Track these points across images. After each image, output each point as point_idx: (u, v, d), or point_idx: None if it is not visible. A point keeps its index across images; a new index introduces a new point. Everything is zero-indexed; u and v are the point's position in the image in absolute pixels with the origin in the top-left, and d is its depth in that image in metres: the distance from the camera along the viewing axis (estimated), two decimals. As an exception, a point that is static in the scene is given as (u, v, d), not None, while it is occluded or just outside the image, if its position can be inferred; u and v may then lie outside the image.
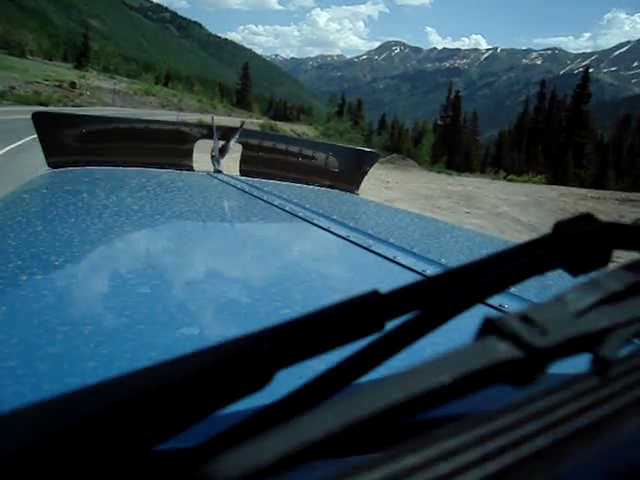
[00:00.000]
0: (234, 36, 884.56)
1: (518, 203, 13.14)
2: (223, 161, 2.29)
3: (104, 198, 1.40)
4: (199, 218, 1.32)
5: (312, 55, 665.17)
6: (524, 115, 66.98)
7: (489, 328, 0.20)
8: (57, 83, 40.90)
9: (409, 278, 0.87)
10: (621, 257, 0.25)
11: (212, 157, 2.27)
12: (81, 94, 41.99)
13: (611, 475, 0.31)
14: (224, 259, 1.00)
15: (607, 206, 14.14)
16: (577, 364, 0.22)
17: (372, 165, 2.70)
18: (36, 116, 1.98)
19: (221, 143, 2.33)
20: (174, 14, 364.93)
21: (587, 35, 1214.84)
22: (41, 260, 0.82)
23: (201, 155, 2.79)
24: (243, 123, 2.59)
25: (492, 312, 0.62)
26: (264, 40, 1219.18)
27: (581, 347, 0.20)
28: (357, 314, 0.22)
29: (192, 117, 35.34)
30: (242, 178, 2.12)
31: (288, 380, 0.23)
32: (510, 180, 23.52)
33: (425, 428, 0.20)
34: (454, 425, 0.20)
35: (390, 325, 0.23)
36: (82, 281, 0.75)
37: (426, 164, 53.05)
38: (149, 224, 1.20)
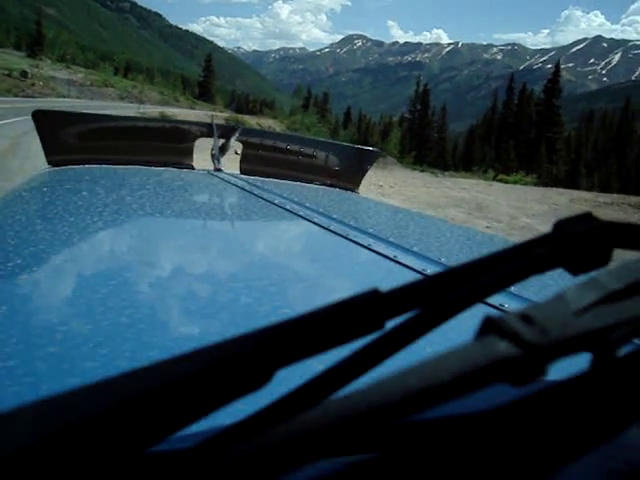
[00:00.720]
0: (195, 28, 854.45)
1: (536, 213, 11.69)
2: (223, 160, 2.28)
3: (104, 196, 1.40)
4: (199, 216, 1.34)
5: (274, 48, 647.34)
6: (493, 109, 66.27)
7: (489, 327, 0.20)
8: (6, 72, 37.98)
9: (409, 277, 0.86)
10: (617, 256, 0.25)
11: (212, 155, 2.25)
12: (33, 84, 39.09)
13: (611, 474, 0.31)
14: (224, 258, 1.00)
15: (628, 214, 12.78)
16: (577, 363, 0.22)
17: (372, 163, 2.72)
18: (36, 114, 1.97)
19: (221, 141, 2.31)
20: (134, 4, 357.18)
21: (545, 32, 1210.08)
22: (41, 259, 0.83)
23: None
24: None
25: (492, 311, 0.61)
26: (226, 32, 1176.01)
27: (581, 346, 0.20)
28: (357, 313, 0.22)
29: (154, 110, 33.02)
30: (242, 176, 2.12)
31: (287, 379, 0.23)
32: (501, 180, 22.18)
33: (425, 427, 0.21)
34: (454, 424, 0.20)
35: (390, 324, 0.23)
36: (82, 280, 0.74)
37: (394, 159, 51.96)
38: (149, 223, 1.20)
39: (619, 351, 0.21)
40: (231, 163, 2.52)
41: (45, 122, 2.01)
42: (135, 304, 0.65)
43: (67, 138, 2.06)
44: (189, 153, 2.34)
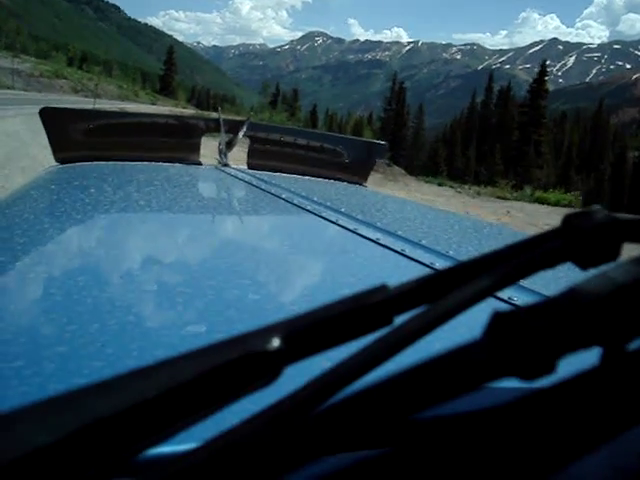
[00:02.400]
0: (154, 21, 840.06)
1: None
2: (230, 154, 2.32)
3: (112, 193, 1.41)
4: (208, 212, 1.35)
5: (234, 43, 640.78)
6: (471, 110, 63.68)
7: (499, 322, 0.20)
8: None
9: (417, 271, 0.86)
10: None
11: (219, 151, 2.30)
12: (-30, 74, 34.19)
13: (623, 469, 0.31)
14: (232, 253, 1.00)
15: None
16: (587, 358, 0.22)
17: (380, 156, 2.81)
18: (44, 111, 2.01)
19: (228, 136, 2.33)
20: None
21: (503, 33, 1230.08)
22: (50, 256, 0.83)
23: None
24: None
25: (501, 305, 0.60)
26: (185, 27, 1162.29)
27: (591, 341, 0.20)
28: (365, 308, 0.22)
29: (111, 106, 28.63)
30: (250, 171, 2.14)
31: (296, 375, 0.23)
32: (540, 200, 18.48)
33: (435, 423, 0.21)
34: (463, 419, 0.20)
35: (399, 319, 0.23)
36: (90, 277, 0.74)
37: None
38: (158, 219, 1.19)
39: (629, 346, 0.21)
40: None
41: (53, 119, 2.03)
42: (143, 301, 0.66)
43: (75, 135, 2.08)
44: (196, 148, 2.33)
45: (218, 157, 2.30)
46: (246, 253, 1.00)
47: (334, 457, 0.20)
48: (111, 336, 0.52)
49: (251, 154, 2.42)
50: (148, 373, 0.19)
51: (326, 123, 73.77)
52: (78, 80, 49.24)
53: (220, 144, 2.29)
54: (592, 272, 0.24)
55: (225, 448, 0.17)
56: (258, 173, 2.05)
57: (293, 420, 0.18)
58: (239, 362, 0.20)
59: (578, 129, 66.24)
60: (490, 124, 57.70)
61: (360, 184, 2.45)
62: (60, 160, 1.95)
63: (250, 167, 2.32)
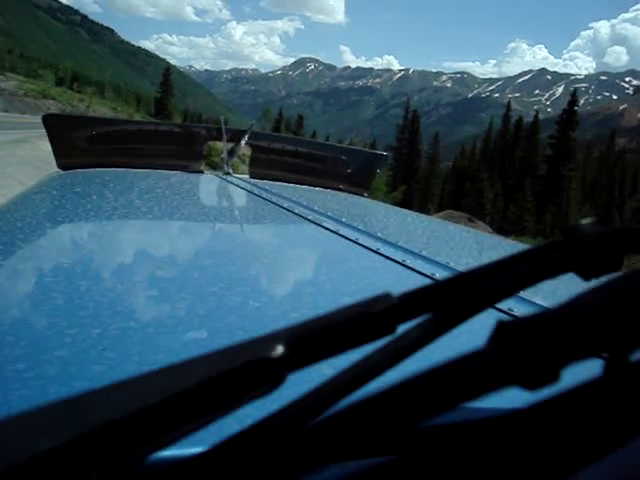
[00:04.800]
0: (147, 44, 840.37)
1: None
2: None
3: (114, 200, 1.43)
4: (210, 220, 1.36)
5: (226, 68, 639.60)
6: (487, 141, 59.73)
7: (503, 331, 0.20)
8: None
9: (418, 281, 0.87)
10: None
11: (221, 159, 2.31)
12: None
13: None
14: (234, 261, 0.99)
15: None
16: (590, 368, 0.21)
17: (381, 167, 2.81)
18: (47, 118, 2.03)
19: (230, 145, 2.33)
20: (84, 17, 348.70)
21: (492, 62, 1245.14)
22: (50, 262, 0.83)
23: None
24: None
25: (501, 315, 0.53)
26: (178, 50, 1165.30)
27: (594, 351, 0.20)
28: (369, 317, 0.22)
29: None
30: (251, 180, 2.16)
31: (299, 383, 0.23)
32: None
33: (439, 431, 0.22)
34: (466, 428, 0.20)
35: (401, 329, 0.23)
36: (92, 283, 0.74)
37: (380, 194, 44.53)
38: (160, 226, 1.20)
39: (632, 356, 0.21)
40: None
41: (55, 126, 2.04)
42: (144, 307, 0.65)
43: (77, 142, 2.08)
44: (198, 157, 2.34)
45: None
46: (248, 261, 1.00)
47: (339, 465, 0.20)
48: (113, 340, 0.52)
49: (253, 163, 2.42)
50: (151, 379, 0.19)
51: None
52: (67, 101, 43.98)
53: (222, 152, 2.27)
54: (594, 282, 0.23)
55: (229, 455, 0.17)
56: (260, 182, 2.06)
57: (296, 427, 0.18)
58: (243, 369, 0.20)
59: (590, 162, 62.54)
60: (513, 157, 53.46)
61: (361, 194, 2.43)
62: (62, 166, 1.96)
63: (252, 176, 2.32)
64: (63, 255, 0.88)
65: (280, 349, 0.21)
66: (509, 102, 61.56)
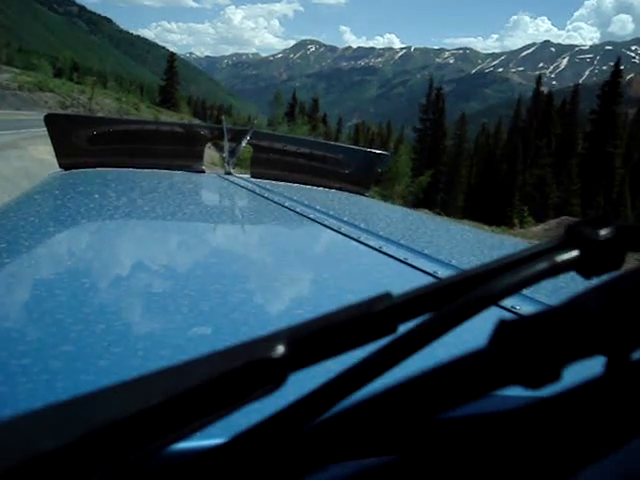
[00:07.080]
0: (147, 33, 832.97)
1: None
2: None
3: (116, 200, 1.42)
4: (211, 220, 1.36)
5: (227, 53, 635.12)
6: (515, 119, 55.49)
7: (505, 330, 0.20)
8: None
9: (420, 280, 0.87)
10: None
11: (223, 159, 2.33)
12: None
13: (628, 478, 0.31)
14: (236, 260, 1.01)
15: None
16: (591, 367, 0.22)
17: (383, 166, 2.82)
18: (48, 117, 2.03)
19: (232, 145, 2.34)
20: (82, 8, 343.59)
21: (495, 36, 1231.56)
22: (53, 260, 0.84)
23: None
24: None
25: (504, 313, 0.62)
26: (178, 38, 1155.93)
27: (595, 350, 0.20)
28: (370, 316, 0.22)
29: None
30: (253, 180, 2.16)
31: (299, 383, 0.23)
32: None
33: (441, 430, 0.21)
34: (469, 427, 0.20)
35: (403, 328, 0.23)
36: (95, 281, 0.75)
37: (407, 179, 40.77)
38: (162, 225, 1.21)
39: (633, 355, 0.21)
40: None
41: (57, 125, 2.05)
42: (149, 304, 0.66)
43: (79, 141, 2.08)
44: (200, 156, 2.36)
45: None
46: (249, 260, 1.01)
47: (341, 465, 0.20)
48: (117, 336, 0.53)
49: (254, 163, 2.42)
50: (153, 379, 0.19)
51: (349, 136, 65.71)
52: (67, 93, 40.08)
53: (224, 152, 2.28)
54: (595, 281, 0.23)
55: (231, 454, 0.17)
56: (261, 182, 2.06)
57: (298, 427, 0.18)
58: (244, 369, 0.20)
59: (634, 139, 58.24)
60: (548, 135, 49.24)
61: (363, 194, 2.44)
62: (64, 166, 1.97)
63: (253, 175, 2.32)
64: (67, 253, 0.89)
65: (281, 349, 0.21)
66: (539, 77, 57.11)
